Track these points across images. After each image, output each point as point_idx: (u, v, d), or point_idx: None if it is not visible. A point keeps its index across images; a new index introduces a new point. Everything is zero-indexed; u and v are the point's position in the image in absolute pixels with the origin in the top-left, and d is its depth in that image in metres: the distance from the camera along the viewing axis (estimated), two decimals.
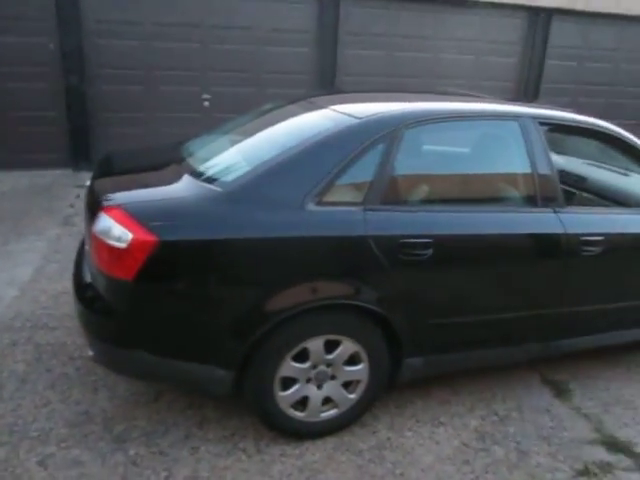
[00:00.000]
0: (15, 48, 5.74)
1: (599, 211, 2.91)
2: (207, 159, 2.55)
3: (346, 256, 2.26)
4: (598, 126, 2.84)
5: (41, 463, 2.27)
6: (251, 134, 2.72)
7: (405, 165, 2.40)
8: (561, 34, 7.43)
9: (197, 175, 2.36)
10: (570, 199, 3.31)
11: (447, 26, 7.06)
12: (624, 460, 2.53)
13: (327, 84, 6.68)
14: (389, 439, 2.56)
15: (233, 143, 2.68)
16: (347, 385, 2.48)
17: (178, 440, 2.46)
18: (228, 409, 2.63)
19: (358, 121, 2.40)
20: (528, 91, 7.60)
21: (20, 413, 2.54)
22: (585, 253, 2.62)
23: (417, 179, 2.50)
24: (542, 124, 2.65)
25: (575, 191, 3.40)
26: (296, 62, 6.67)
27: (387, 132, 2.36)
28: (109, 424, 2.52)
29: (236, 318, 2.17)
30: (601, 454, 2.55)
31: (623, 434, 2.69)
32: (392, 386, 2.63)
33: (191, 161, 2.57)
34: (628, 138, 2.89)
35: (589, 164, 3.54)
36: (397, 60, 7.04)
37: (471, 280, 2.49)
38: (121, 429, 2.50)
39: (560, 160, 3.75)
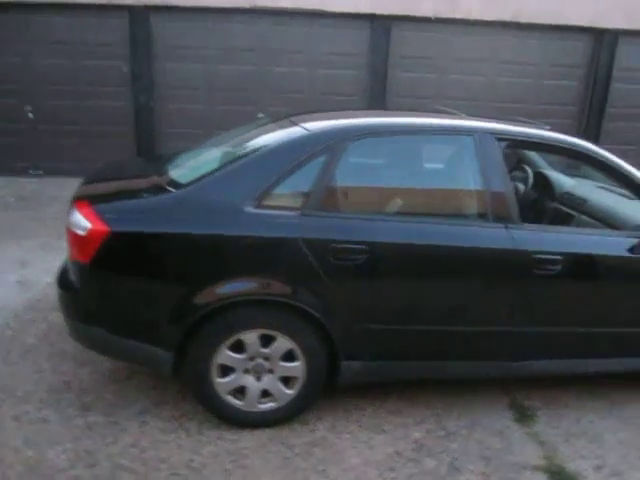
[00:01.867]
0: (94, 71, 6.57)
1: (566, 230, 2.82)
2: (182, 168, 2.82)
3: (279, 256, 2.43)
4: (569, 144, 2.78)
5: (16, 418, 2.66)
6: (225, 147, 2.97)
7: (347, 175, 2.54)
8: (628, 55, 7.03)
9: (165, 181, 2.65)
10: (555, 218, 3.21)
11: (502, 49, 6.96)
12: None
13: (378, 105, 6.85)
14: (324, 438, 2.65)
15: (209, 154, 2.95)
16: (287, 380, 2.63)
17: (133, 414, 2.73)
18: (187, 394, 2.87)
19: (306, 133, 2.58)
20: (592, 115, 7.25)
21: (15, 376, 2.97)
22: (540, 272, 2.56)
23: (357, 189, 2.62)
24: (500, 140, 2.65)
25: (568, 211, 3.30)
26: (348, 84, 6.92)
27: (330, 144, 2.51)
28: (82, 394, 2.86)
29: (172, 305, 2.42)
30: None
31: (574, 466, 2.55)
32: (333, 387, 2.71)
33: (169, 169, 2.87)
34: (604, 157, 2.77)
35: (582, 184, 3.41)
36: (448, 83, 7.05)
37: (408, 289, 2.55)
38: (90, 399, 2.83)
39: (567, 181, 3.65)
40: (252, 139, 2.84)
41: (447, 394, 3.00)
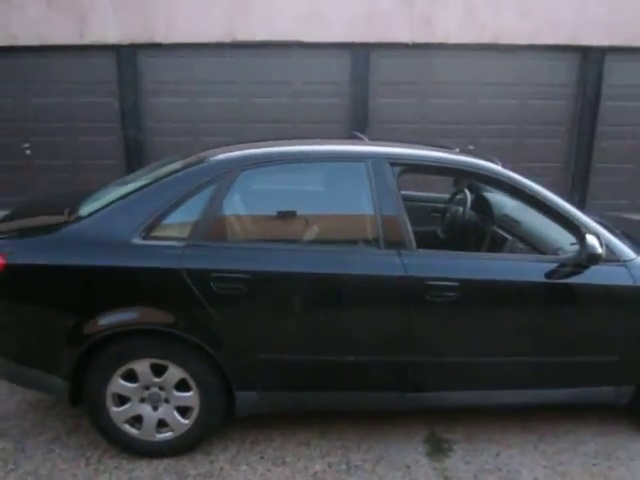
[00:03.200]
0: (86, 108, 6.88)
1: (469, 255, 2.74)
2: (90, 203, 2.86)
3: (163, 287, 2.47)
4: (473, 168, 2.71)
5: None
6: (132, 182, 2.97)
7: (235, 205, 2.58)
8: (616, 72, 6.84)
9: (71, 216, 2.73)
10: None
11: (484, 71, 6.88)
12: None
13: (360, 132, 6.86)
14: (221, 469, 2.62)
15: (116, 190, 2.98)
16: (185, 410, 2.63)
17: (43, 442, 2.79)
18: None
19: (198, 164, 2.64)
20: (582, 133, 7.06)
21: None
22: (434, 299, 2.49)
23: (244, 218, 2.65)
24: (394, 164, 2.62)
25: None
26: (330, 113, 6.98)
27: (219, 174, 2.56)
28: (2, 420, 2.95)
29: (65, 334, 2.48)
30: None
31: None
32: (233, 418, 2.69)
33: (81, 204, 2.90)
34: (515, 181, 2.69)
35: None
36: (431, 107, 7.02)
37: (295, 319, 2.52)
38: (7, 425, 2.91)
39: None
40: (153, 172, 2.89)
41: (363, 425, 2.93)
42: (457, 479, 2.58)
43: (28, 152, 6.99)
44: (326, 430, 2.90)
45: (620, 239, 2.79)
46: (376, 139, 3.35)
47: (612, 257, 2.62)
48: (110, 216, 2.56)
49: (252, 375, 2.57)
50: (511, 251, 3.07)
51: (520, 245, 3.12)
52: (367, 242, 2.59)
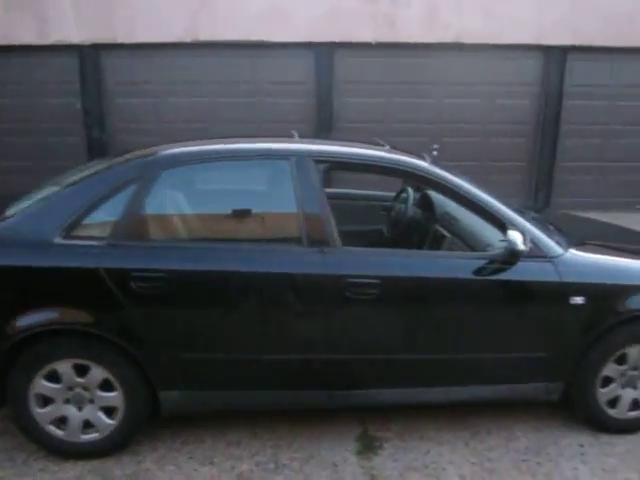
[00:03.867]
0: (49, 108, 6.83)
1: (395, 253, 2.74)
2: (19, 203, 2.80)
3: (82, 286, 2.44)
4: (400, 165, 2.71)
5: None
6: (61, 182, 2.90)
7: (156, 204, 2.56)
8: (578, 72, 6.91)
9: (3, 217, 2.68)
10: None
11: (449, 70, 6.91)
12: None
13: (324, 132, 6.88)
14: (147, 470, 2.60)
15: (45, 190, 2.95)
16: (110, 411, 2.60)
17: None
18: None
19: (121, 164, 2.62)
20: (546, 132, 7.10)
21: None
22: (357, 296, 2.48)
23: (165, 217, 2.63)
24: (318, 162, 2.61)
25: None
26: (295, 112, 6.97)
27: (141, 173, 2.55)
28: None
29: None
30: None
31: None
32: (159, 417, 2.67)
33: (13, 205, 2.85)
34: (441, 178, 2.69)
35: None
36: (396, 106, 7.03)
37: (215, 317, 2.51)
38: None
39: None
40: (81, 172, 2.86)
41: (297, 424, 2.92)
42: (383, 477, 2.58)
43: None
44: (258, 429, 2.89)
45: (550, 235, 2.80)
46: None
47: (539, 253, 2.63)
48: (33, 215, 2.53)
49: (174, 374, 2.55)
50: (449, 249, 3.08)
51: (458, 243, 3.13)
52: (290, 240, 2.57)
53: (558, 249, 2.68)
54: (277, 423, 2.92)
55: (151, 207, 2.54)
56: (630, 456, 2.73)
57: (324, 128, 6.91)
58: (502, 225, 2.63)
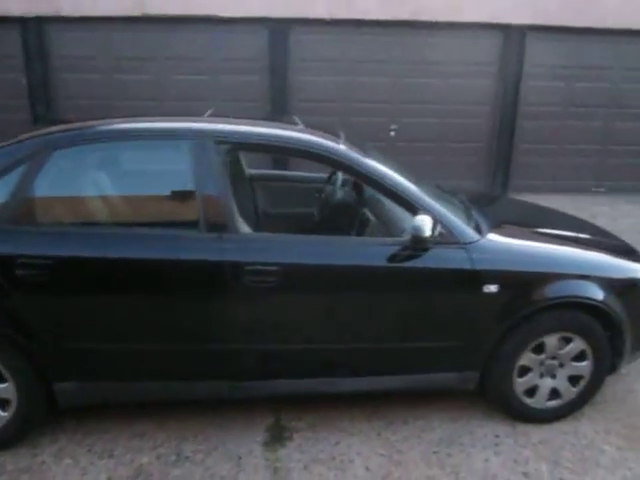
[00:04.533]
0: None
1: (296, 239, 2.58)
2: None
3: None
4: (299, 143, 2.55)
5: None
6: None
7: (46, 186, 2.40)
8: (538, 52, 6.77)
9: None
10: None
11: (406, 49, 6.74)
12: None
13: (278, 110, 6.70)
14: (43, 463, 2.49)
15: None
16: (3, 403, 2.47)
17: None
18: None
19: (11, 144, 2.46)
20: (505, 113, 7.00)
21: None
22: (255, 284, 2.37)
23: (57, 201, 2.48)
24: (220, 142, 2.46)
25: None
26: (248, 90, 6.78)
27: (32, 154, 2.39)
28: None
29: None
30: None
31: None
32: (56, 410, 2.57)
33: None
34: (343, 157, 2.53)
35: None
36: (352, 85, 6.86)
37: (105, 306, 2.39)
38: None
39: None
40: None
41: (206, 414, 2.81)
42: (287, 470, 2.50)
43: None
44: (166, 420, 2.78)
45: (467, 220, 2.71)
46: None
47: (451, 239, 2.53)
48: None
49: (67, 365, 2.43)
50: (372, 234, 2.97)
51: (381, 228, 3.03)
52: (187, 225, 2.44)
53: (473, 235, 2.59)
54: (188, 414, 2.82)
55: (40, 189, 2.38)
56: (543, 446, 2.69)
57: (278, 107, 6.72)
58: (414, 209, 2.53)
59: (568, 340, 2.71)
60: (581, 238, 3.12)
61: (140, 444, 2.63)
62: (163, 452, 2.58)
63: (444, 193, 3.27)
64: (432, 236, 2.40)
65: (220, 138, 2.48)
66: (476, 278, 2.53)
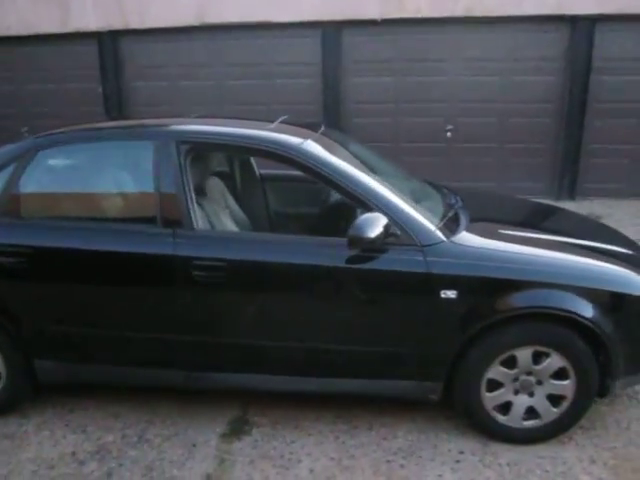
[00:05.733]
0: (74, 93, 7.25)
1: (247, 236, 2.69)
2: None
3: None
4: (258, 143, 2.57)
5: None
6: None
7: (29, 183, 2.67)
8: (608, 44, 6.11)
9: None
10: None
11: (462, 46, 6.44)
12: None
13: (332, 113, 6.72)
14: (25, 432, 2.77)
15: None
16: None
17: None
18: None
19: (10, 144, 2.77)
20: (572, 112, 6.41)
21: None
22: (203, 279, 2.44)
23: (38, 196, 2.73)
24: (181, 143, 2.56)
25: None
26: (303, 93, 6.88)
27: (22, 153, 2.68)
28: None
29: None
30: None
31: None
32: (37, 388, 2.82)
33: None
34: (304, 157, 2.50)
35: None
36: (407, 85, 6.69)
37: (74, 293, 2.60)
38: None
39: None
40: None
41: (182, 401, 2.93)
42: (231, 463, 2.54)
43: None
44: (141, 404, 2.94)
45: (436, 221, 2.56)
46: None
47: (407, 240, 2.42)
48: None
49: (44, 345, 2.68)
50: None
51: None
52: (147, 220, 2.57)
53: (435, 237, 2.45)
54: (164, 399, 2.95)
55: (24, 186, 2.66)
56: (510, 469, 2.47)
57: (331, 110, 6.76)
58: (368, 208, 2.46)
59: (545, 355, 2.49)
60: (584, 245, 2.81)
61: (112, 424, 2.82)
62: (129, 433, 2.75)
63: (429, 191, 3.14)
64: (379, 237, 2.31)
65: (181, 138, 2.59)
66: (431, 283, 2.40)
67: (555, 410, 2.55)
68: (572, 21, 6.19)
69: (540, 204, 3.66)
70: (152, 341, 2.62)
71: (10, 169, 2.65)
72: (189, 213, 2.52)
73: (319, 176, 2.55)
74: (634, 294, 2.48)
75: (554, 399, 2.55)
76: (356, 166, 2.70)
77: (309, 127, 3.13)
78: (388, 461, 2.53)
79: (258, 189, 3.73)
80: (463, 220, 2.75)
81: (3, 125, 7.25)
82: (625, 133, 6.48)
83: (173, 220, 2.51)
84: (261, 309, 2.53)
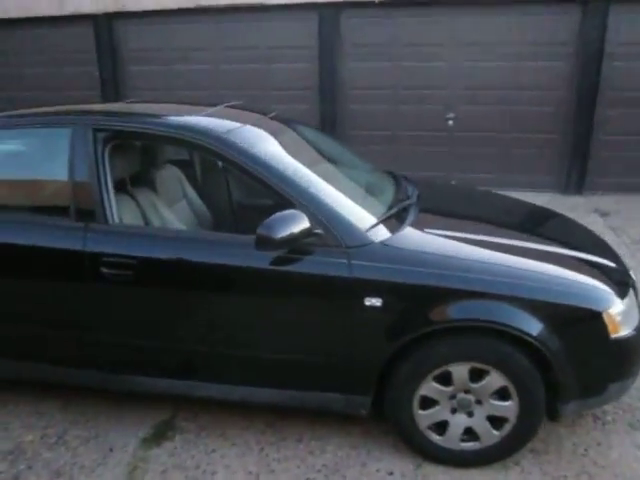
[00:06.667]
0: (70, 76, 7.19)
1: (161, 232, 2.50)
2: None
3: None
4: (178, 131, 2.37)
5: None
6: None
7: None
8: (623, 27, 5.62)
9: None
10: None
11: (464, 30, 6.06)
12: None
13: (328, 99, 6.45)
14: None
15: None
16: None
17: None
18: None
19: None
20: (582, 100, 5.97)
21: None
22: (113, 277, 2.30)
23: None
24: (98, 130, 2.41)
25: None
26: (298, 78, 6.63)
27: None
28: None
29: None
30: None
31: None
32: None
33: None
34: (225, 150, 2.31)
35: None
36: (407, 71, 6.36)
37: None
38: None
39: None
40: None
41: (114, 402, 2.79)
42: (143, 471, 2.40)
43: None
44: (73, 404, 2.82)
45: (372, 219, 2.34)
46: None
47: (330, 241, 2.21)
48: None
49: None
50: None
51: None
52: (59, 213, 2.43)
53: (362, 237, 2.22)
54: (96, 398, 2.83)
55: None
56: None
57: (327, 95, 6.50)
58: (293, 206, 2.25)
59: (485, 373, 2.25)
60: (553, 252, 2.50)
61: (36, 422, 2.72)
62: (49, 433, 2.64)
63: (383, 184, 2.92)
64: (291, 238, 2.10)
65: (97, 126, 2.43)
66: (354, 288, 2.18)
67: (496, 433, 2.30)
68: (583, 3, 5.75)
69: (526, 205, 3.32)
70: (65, 340, 2.49)
71: None
72: (103, 206, 2.36)
73: (242, 169, 2.34)
74: (594, 309, 2.19)
75: (495, 421, 2.31)
76: (292, 158, 2.49)
77: (260, 113, 2.95)
78: (308, 479, 2.36)
79: (220, 179, 3.56)
80: (410, 218, 2.51)
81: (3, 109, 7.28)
82: (637, 123, 6.02)
83: (87, 214, 2.36)
84: (173, 311, 2.36)
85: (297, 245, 2.19)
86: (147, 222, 2.66)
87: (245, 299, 2.32)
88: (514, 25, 6.01)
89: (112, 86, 7.08)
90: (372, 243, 2.23)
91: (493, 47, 6.14)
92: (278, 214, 2.15)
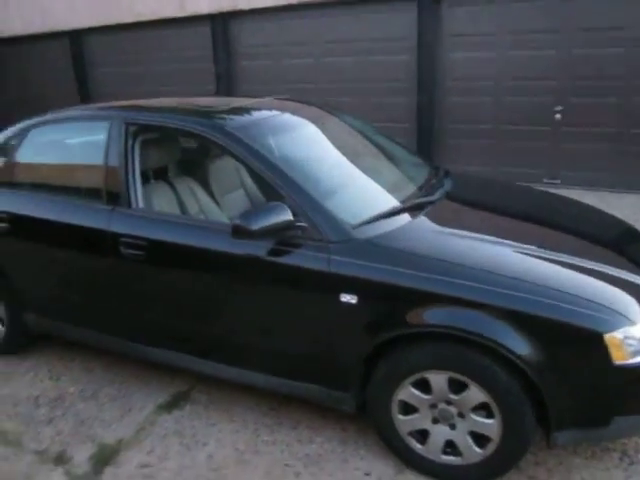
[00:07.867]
0: (191, 73, 7.82)
1: (169, 216, 2.64)
2: None
3: None
4: (189, 126, 2.56)
5: None
6: None
7: (22, 155, 3.05)
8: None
9: None
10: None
11: (578, 14, 5.34)
12: None
13: (426, 91, 6.20)
14: (21, 370, 3.18)
15: None
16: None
17: None
18: None
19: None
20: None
21: None
22: (129, 255, 2.55)
23: (28, 167, 3.07)
24: (130, 124, 2.69)
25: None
26: (397, 70, 6.49)
27: (25, 129, 3.07)
28: None
29: None
30: None
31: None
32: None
33: None
34: (228, 141, 2.43)
35: None
36: (513, 61, 5.89)
37: (41, 259, 2.90)
38: None
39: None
40: None
41: (145, 369, 3.09)
42: (148, 433, 2.63)
43: None
44: (114, 364, 3.18)
45: (348, 214, 2.29)
46: None
47: (312, 234, 2.23)
48: None
49: (27, 300, 3.06)
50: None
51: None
52: (96, 197, 2.73)
53: (345, 233, 2.20)
54: (135, 365, 3.15)
55: (20, 157, 3.05)
56: None
57: (425, 87, 6.27)
58: (281, 198, 2.30)
59: (465, 385, 2.10)
60: (567, 262, 2.21)
61: (82, 377, 3.12)
62: (88, 388, 3.02)
63: (409, 177, 2.89)
64: (266, 230, 2.16)
65: (128, 120, 2.71)
66: (330, 283, 2.17)
67: (479, 451, 2.14)
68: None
69: (588, 210, 3.01)
70: (95, 307, 2.84)
71: (17, 140, 3.06)
72: (128, 192, 2.63)
73: (243, 163, 2.48)
74: (592, 329, 1.91)
75: (479, 438, 2.15)
76: (301, 151, 2.56)
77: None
78: (286, 465, 2.41)
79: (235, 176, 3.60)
80: (423, 214, 2.43)
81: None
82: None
83: (115, 198, 2.66)
84: (172, 289, 2.58)
85: (280, 237, 2.25)
86: (183, 209, 2.90)
87: (236, 286, 2.43)
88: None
89: (226, 80, 7.60)
90: (355, 239, 2.20)
91: (608, 32, 5.40)
92: (262, 205, 2.23)
